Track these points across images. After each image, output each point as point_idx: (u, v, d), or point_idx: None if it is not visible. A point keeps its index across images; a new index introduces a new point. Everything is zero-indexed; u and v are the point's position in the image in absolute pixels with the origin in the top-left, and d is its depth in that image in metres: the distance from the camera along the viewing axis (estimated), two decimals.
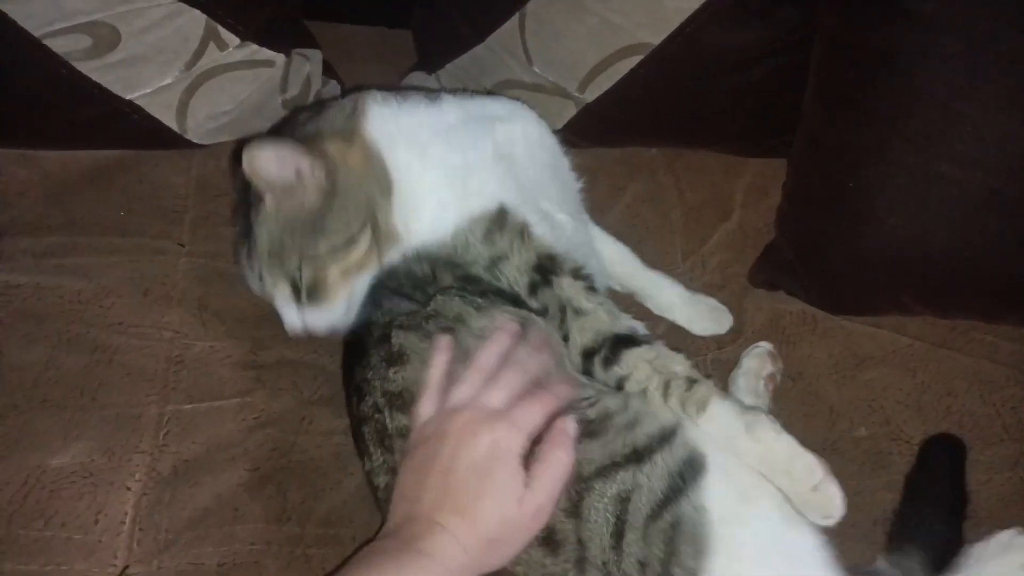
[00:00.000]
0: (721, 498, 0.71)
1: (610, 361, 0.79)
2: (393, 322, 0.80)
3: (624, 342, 0.80)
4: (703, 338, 1.06)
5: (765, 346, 1.00)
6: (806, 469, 0.72)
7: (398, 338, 0.79)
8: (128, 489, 0.79)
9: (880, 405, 0.95)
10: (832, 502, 0.71)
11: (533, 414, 0.71)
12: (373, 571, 0.64)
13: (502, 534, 0.68)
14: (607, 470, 0.72)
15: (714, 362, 1.02)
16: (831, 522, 0.72)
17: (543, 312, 0.83)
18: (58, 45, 0.96)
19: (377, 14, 1.37)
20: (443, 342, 0.77)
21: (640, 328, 0.84)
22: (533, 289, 0.84)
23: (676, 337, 1.04)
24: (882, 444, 0.92)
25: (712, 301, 1.07)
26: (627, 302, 1.05)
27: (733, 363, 1.00)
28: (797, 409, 0.97)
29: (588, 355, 0.80)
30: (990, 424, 0.92)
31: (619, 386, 0.78)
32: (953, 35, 0.92)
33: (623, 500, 0.71)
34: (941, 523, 0.83)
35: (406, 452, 0.74)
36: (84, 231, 0.96)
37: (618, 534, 0.70)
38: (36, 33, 0.94)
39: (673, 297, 1.05)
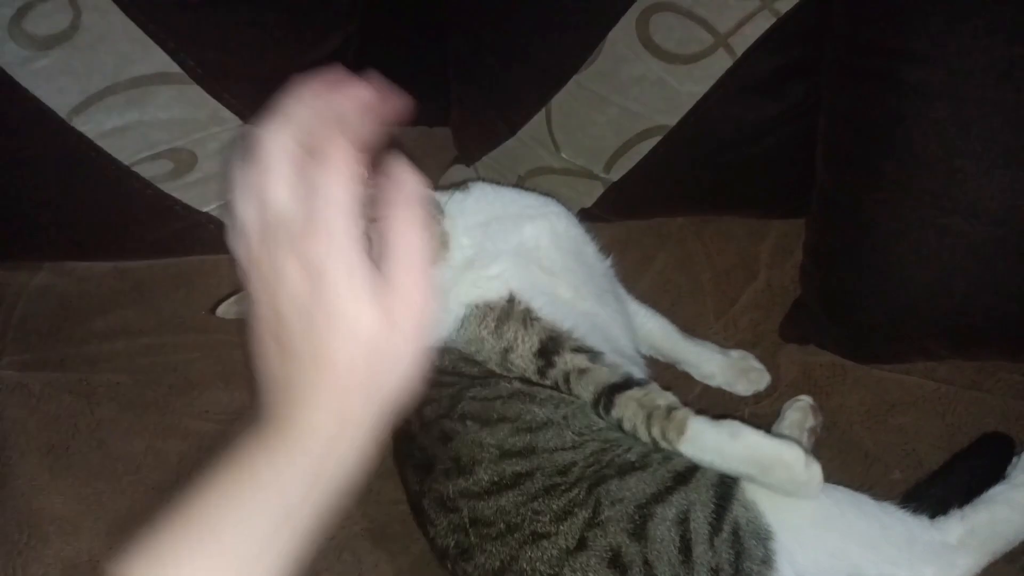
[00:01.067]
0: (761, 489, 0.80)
1: (608, 406, 0.88)
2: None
3: (618, 388, 0.89)
4: (739, 395, 1.12)
5: (806, 400, 1.06)
6: (794, 456, 0.80)
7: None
8: None
9: (913, 448, 0.99)
10: (819, 476, 0.81)
11: (334, 194, 0.45)
12: (244, 468, 0.48)
13: (373, 365, 0.47)
14: (661, 495, 0.80)
15: (751, 416, 1.08)
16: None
17: (555, 388, 0.92)
18: (145, 171, 1.10)
19: (419, 115, 1.49)
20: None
21: (637, 373, 0.94)
22: (542, 373, 0.93)
23: (716, 394, 1.10)
24: None
25: (749, 362, 1.14)
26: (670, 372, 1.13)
27: (769, 416, 1.06)
28: (833, 456, 1.02)
29: (595, 406, 0.90)
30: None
31: (620, 427, 0.87)
32: (943, 98, 1.00)
33: (683, 520, 0.78)
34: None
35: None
36: (172, 331, 1.08)
37: (686, 550, 0.77)
38: (127, 162, 1.09)
39: (713, 367, 1.13)
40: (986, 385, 1.05)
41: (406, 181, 0.47)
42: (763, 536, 0.78)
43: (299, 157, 0.47)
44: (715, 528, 0.78)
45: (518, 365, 0.93)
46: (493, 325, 0.94)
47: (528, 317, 0.95)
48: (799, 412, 1.04)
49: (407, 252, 0.47)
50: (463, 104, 1.38)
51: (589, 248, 1.13)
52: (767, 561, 0.77)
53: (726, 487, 0.80)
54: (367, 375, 0.48)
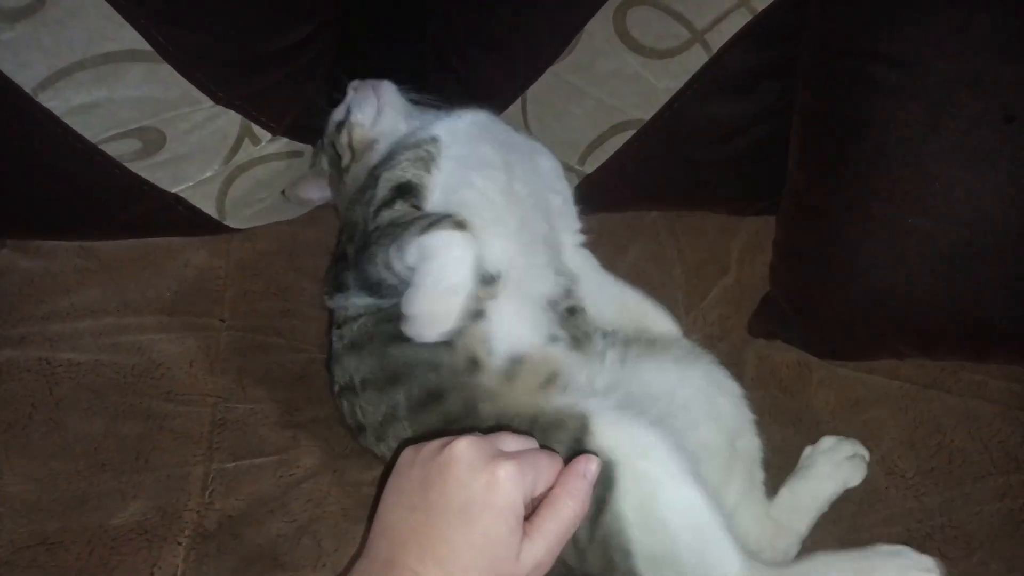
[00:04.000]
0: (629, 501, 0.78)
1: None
2: None
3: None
4: None
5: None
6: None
7: None
8: (179, 544, 0.87)
9: (876, 444, 1.00)
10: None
11: (544, 467, 0.63)
12: None
13: None
14: None
15: None
16: None
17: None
18: (112, 149, 1.08)
19: None
20: None
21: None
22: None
23: None
24: (879, 480, 0.97)
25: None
26: None
27: None
28: (797, 454, 1.02)
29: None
30: (979, 458, 0.97)
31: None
32: (915, 101, 1.01)
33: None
34: None
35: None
36: (137, 312, 1.07)
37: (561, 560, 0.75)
38: (93, 140, 1.07)
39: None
40: (948, 384, 1.06)
41: (593, 466, 0.64)
42: (626, 553, 0.77)
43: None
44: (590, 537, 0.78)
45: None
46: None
47: (428, 161, 0.96)
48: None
49: (560, 522, 0.62)
50: (441, 92, 1.37)
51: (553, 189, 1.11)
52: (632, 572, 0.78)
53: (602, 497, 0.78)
54: None
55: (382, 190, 0.96)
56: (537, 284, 0.96)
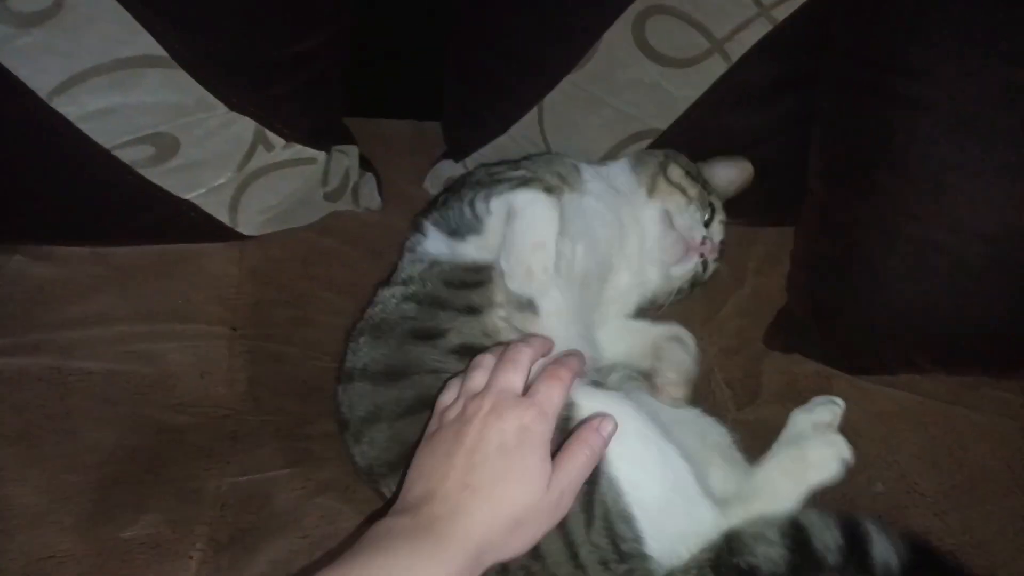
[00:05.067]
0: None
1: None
2: None
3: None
4: (723, 399, 1.12)
5: (842, 405, 0.96)
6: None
7: None
8: (190, 558, 0.85)
9: (895, 460, 0.99)
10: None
11: (556, 396, 0.73)
12: (388, 555, 0.63)
13: (527, 518, 0.68)
14: None
15: (733, 422, 1.06)
16: None
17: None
18: (126, 155, 1.07)
19: (409, 109, 1.48)
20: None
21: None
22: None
23: (699, 396, 1.07)
24: (899, 498, 0.96)
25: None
26: None
27: (751, 423, 1.04)
28: None
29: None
30: (1000, 476, 0.96)
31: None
32: (939, 114, 1.00)
33: (561, 525, 0.75)
34: None
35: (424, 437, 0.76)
36: (149, 320, 1.06)
37: (573, 555, 0.77)
38: (107, 146, 1.06)
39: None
40: (969, 400, 1.05)
41: (608, 424, 0.74)
42: (627, 517, 0.78)
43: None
44: (588, 521, 0.77)
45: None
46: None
47: (556, 177, 1.03)
48: (828, 414, 0.95)
49: (580, 462, 0.71)
50: (456, 99, 1.36)
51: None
52: (638, 539, 0.78)
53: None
54: (524, 518, 0.68)
55: (514, 174, 1.02)
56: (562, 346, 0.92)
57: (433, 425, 0.76)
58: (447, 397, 0.77)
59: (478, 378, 0.76)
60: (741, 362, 1.16)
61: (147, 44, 1.03)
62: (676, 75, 1.17)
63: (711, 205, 1.12)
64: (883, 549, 0.78)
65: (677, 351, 1.03)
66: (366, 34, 1.32)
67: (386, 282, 1.01)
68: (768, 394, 1.10)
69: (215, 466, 0.92)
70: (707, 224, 1.11)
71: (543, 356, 0.81)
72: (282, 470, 0.93)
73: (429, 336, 0.91)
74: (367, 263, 1.21)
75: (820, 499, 0.96)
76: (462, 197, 1.00)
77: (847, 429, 1.03)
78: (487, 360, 0.78)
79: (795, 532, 0.80)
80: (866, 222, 1.07)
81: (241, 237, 1.19)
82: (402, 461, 0.77)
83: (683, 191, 1.10)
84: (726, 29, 1.14)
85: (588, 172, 1.09)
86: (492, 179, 1.01)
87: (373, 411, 0.88)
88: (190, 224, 1.15)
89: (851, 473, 0.99)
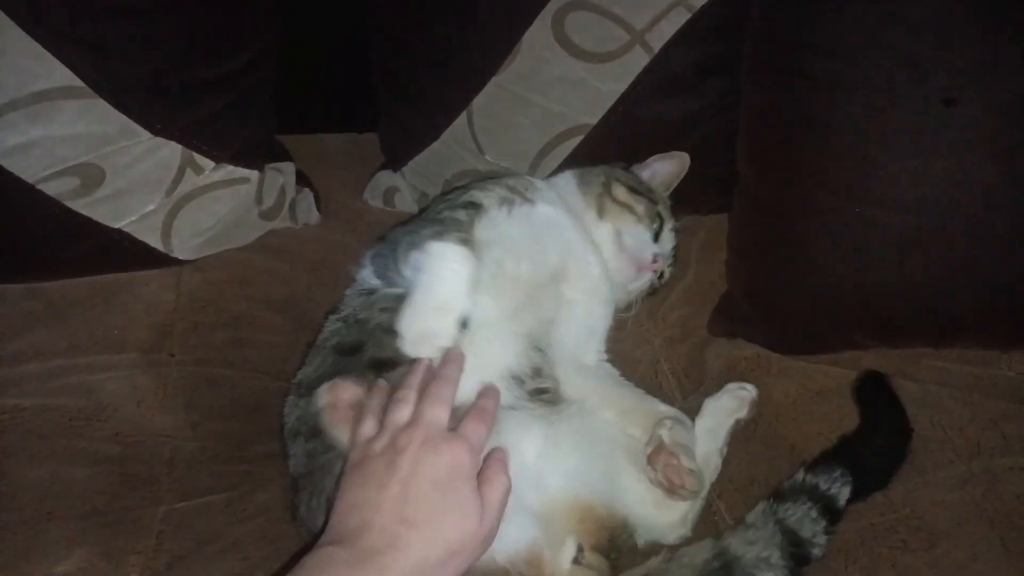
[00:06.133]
0: None
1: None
2: None
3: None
4: (669, 389, 1.12)
5: (750, 390, 1.03)
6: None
7: None
8: None
9: (836, 436, 0.99)
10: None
11: (483, 432, 0.76)
12: None
13: (461, 549, 0.70)
14: None
15: (681, 410, 1.06)
16: None
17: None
18: (50, 188, 1.07)
19: (347, 122, 1.48)
20: (381, 384, 0.82)
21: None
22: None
23: (647, 387, 1.07)
24: None
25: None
26: None
27: (695, 410, 1.04)
28: (761, 451, 1.01)
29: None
30: (940, 447, 0.96)
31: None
32: (855, 90, 1.00)
33: None
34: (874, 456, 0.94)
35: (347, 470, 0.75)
36: (84, 352, 1.05)
37: None
38: (30, 180, 1.05)
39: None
40: (909, 372, 1.05)
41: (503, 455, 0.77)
42: None
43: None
44: None
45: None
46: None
47: (507, 189, 1.02)
48: (736, 400, 1.02)
49: (501, 491, 0.74)
50: (388, 109, 1.36)
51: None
52: None
53: None
54: (458, 549, 0.69)
55: (463, 197, 1.00)
56: (499, 353, 0.92)
57: (356, 455, 0.75)
58: (368, 428, 0.77)
59: (403, 411, 0.76)
60: (685, 350, 1.16)
61: (63, 76, 1.03)
62: (600, 70, 1.17)
63: (659, 216, 1.11)
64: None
65: (680, 434, 0.92)
66: (298, 50, 1.32)
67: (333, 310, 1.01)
68: (711, 380, 1.10)
69: (151, 495, 0.92)
70: (657, 236, 1.10)
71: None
72: (220, 494, 0.93)
73: (350, 351, 0.91)
74: (306, 279, 1.21)
75: (763, 480, 0.97)
76: (397, 239, 0.95)
77: (787, 409, 1.04)
78: (409, 394, 0.78)
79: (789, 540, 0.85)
80: (794, 202, 1.07)
81: (177, 262, 1.18)
82: (309, 483, 0.77)
83: (630, 209, 1.09)
84: (645, 20, 1.14)
85: (541, 183, 1.09)
86: (428, 221, 0.97)
87: (295, 423, 0.88)
88: (123, 253, 1.14)
89: (794, 454, 1.00)
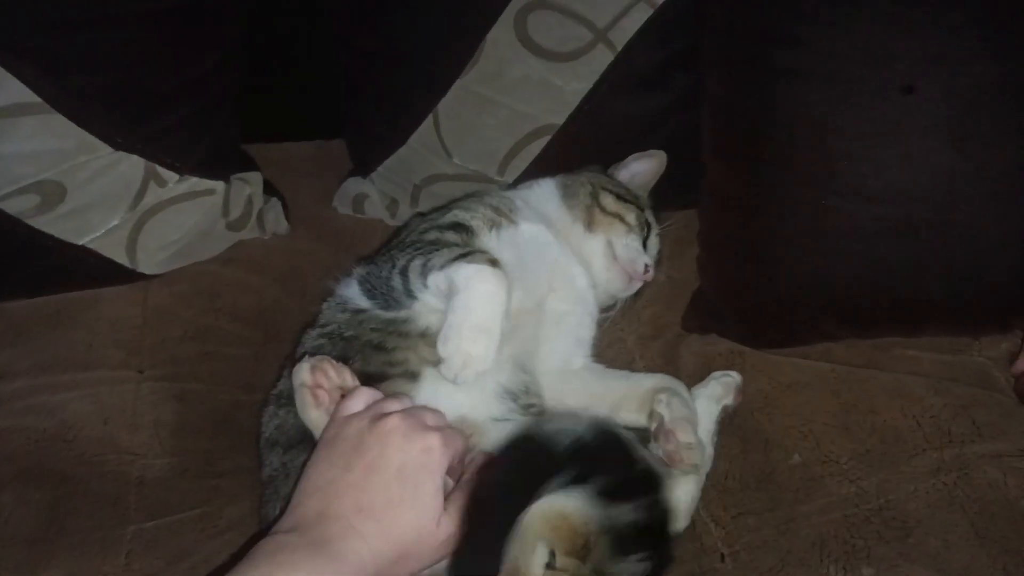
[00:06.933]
0: None
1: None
2: None
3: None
4: None
5: (735, 377, 1.02)
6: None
7: None
8: None
9: (809, 430, 0.99)
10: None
11: (460, 440, 0.73)
12: (284, 570, 0.62)
13: (414, 550, 0.67)
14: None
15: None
16: None
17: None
18: (11, 206, 1.05)
19: (314, 129, 1.47)
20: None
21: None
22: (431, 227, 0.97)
23: None
24: (814, 469, 0.95)
25: None
26: None
27: None
28: (735, 445, 1.01)
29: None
30: (912, 435, 0.95)
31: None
32: (816, 80, 1.00)
33: None
34: None
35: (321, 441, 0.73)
36: (48, 371, 1.04)
37: None
38: None
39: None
40: (881, 362, 1.04)
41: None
42: None
43: None
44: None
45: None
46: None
47: (491, 210, 0.99)
48: (722, 387, 1.01)
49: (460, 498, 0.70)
50: (354, 115, 1.35)
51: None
52: None
53: None
54: (411, 550, 0.67)
55: (447, 219, 0.98)
56: (492, 371, 0.88)
57: (331, 431, 0.73)
58: (353, 405, 0.74)
59: (395, 404, 0.74)
60: (660, 348, 1.16)
61: (19, 91, 1.01)
62: (564, 69, 1.16)
63: (647, 223, 1.11)
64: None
65: (678, 407, 0.91)
66: (262, 57, 1.31)
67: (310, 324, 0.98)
68: (685, 377, 1.08)
69: (120, 514, 0.91)
70: (645, 244, 1.10)
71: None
72: (190, 511, 0.92)
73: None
74: (275, 290, 1.20)
75: (738, 476, 0.97)
76: (393, 262, 0.92)
77: (761, 404, 1.04)
78: (403, 398, 0.77)
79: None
80: (760, 195, 1.07)
81: (144, 277, 1.17)
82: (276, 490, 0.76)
83: (621, 218, 1.07)
84: (607, 18, 1.14)
85: (519, 200, 1.07)
86: (429, 245, 0.93)
87: (272, 434, 0.87)
88: (89, 270, 1.13)
89: (768, 448, 1.00)
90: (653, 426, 0.90)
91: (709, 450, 0.98)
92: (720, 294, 1.14)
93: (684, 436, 0.87)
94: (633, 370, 1.14)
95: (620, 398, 0.97)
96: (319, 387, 0.80)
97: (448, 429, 0.74)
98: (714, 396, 1.01)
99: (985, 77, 0.95)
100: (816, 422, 0.99)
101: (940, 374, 1.02)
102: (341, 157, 1.39)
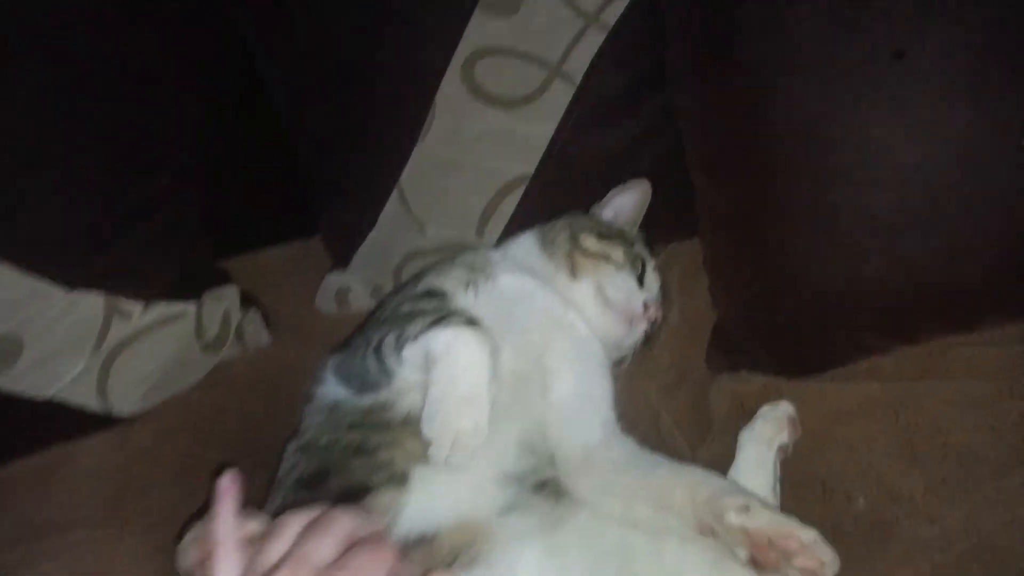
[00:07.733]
0: None
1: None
2: None
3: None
4: (675, 444, 0.98)
5: (785, 408, 0.90)
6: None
7: None
8: None
9: (869, 465, 0.84)
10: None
11: (373, 569, 0.57)
12: None
13: None
14: None
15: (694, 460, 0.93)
16: None
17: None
18: None
19: (291, 231, 1.40)
20: (226, 481, 0.61)
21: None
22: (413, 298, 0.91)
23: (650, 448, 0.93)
24: (884, 512, 0.81)
25: None
26: None
27: (707, 459, 0.91)
28: (786, 496, 0.87)
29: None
30: (994, 450, 0.80)
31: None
32: (789, 68, 0.89)
33: None
34: None
35: None
36: (25, 540, 0.96)
37: None
38: None
39: None
40: (939, 370, 0.89)
41: None
42: None
43: None
44: None
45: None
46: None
47: (465, 268, 0.94)
48: (770, 424, 0.88)
49: None
50: (324, 207, 1.29)
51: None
52: None
53: None
54: None
55: (420, 288, 0.93)
56: (490, 461, 0.80)
57: None
58: (225, 572, 0.58)
59: (275, 548, 0.59)
60: (686, 396, 1.03)
61: None
62: (523, 113, 1.08)
63: (639, 257, 1.00)
64: None
65: (769, 515, 0.73)
66: (226, 168, 1.26)
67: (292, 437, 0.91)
68: (719, 425, 0.96)
69: None
70: (642, 280, 0.99)
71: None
72: None
73: (313, 482, 0.81)
74: (263, 408, 1.12)
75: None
76: (368, 340, 0.85)
77: (808, 442, 0.90)
78: (287, 529, 0.60)
79: None
80: (756, 201, 0.95)
81: (122, 419, 1.10)
82: None
83: (606, 258, 0.98)
84: (558, 51, 1.05)
85: (496, 255, 1.01)
86: (401, 316, 0.86)
87: None
88: (59, 424, 1.06)
89: (827, 494, 0.85)
90: (743, 553, 0.73)
91: (773, 504, 0.83)
92: (740, 323, 1.01)
93: (805, 535, 0.70)
94: (660, 426, 1.02)
95: (670, 501, 0.78)
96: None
97: (356, 561, 0.58)
98: (764, 438, 0.88)
99: (988, 22, 0.82)
100: (875, 454, 0.85)
101: (1012, 371, 0.86)
102: (321, 255, 1.32)
